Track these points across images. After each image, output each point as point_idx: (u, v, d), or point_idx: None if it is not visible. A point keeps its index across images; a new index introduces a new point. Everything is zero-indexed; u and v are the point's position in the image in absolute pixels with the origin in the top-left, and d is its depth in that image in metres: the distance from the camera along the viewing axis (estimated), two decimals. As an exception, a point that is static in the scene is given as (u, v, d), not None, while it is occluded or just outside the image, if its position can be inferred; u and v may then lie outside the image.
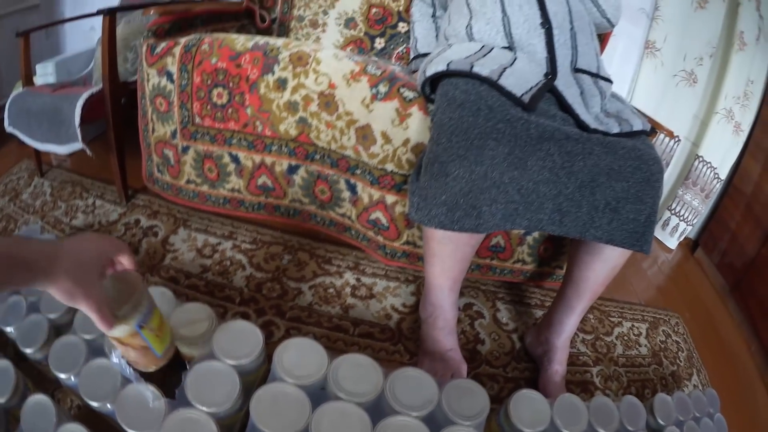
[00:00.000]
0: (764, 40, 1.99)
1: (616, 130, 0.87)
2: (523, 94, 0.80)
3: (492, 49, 0.93)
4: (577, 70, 0.97)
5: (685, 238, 2.08)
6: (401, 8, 1.31)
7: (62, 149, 1.29)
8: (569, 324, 0.96)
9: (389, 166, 0.97)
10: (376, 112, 0.94)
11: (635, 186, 0.82)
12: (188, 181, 1.17)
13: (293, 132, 1.01)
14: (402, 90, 0.94)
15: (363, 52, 1.32)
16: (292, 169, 1.06)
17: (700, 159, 1.97)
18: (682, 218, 2.02)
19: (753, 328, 1.52)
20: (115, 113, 1.29)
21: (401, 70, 1.07)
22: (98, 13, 1.29)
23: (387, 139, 0.94)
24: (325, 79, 0.96)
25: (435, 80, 0.91)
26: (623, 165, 0.82)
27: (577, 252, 0.95)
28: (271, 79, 0.99)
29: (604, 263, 0.92)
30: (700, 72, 1.94)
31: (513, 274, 1.14)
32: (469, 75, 0.82)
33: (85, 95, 1.26)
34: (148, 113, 1.18)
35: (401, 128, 0.94)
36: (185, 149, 1.13)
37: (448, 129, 0.78)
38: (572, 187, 0.81)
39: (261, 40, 1.02)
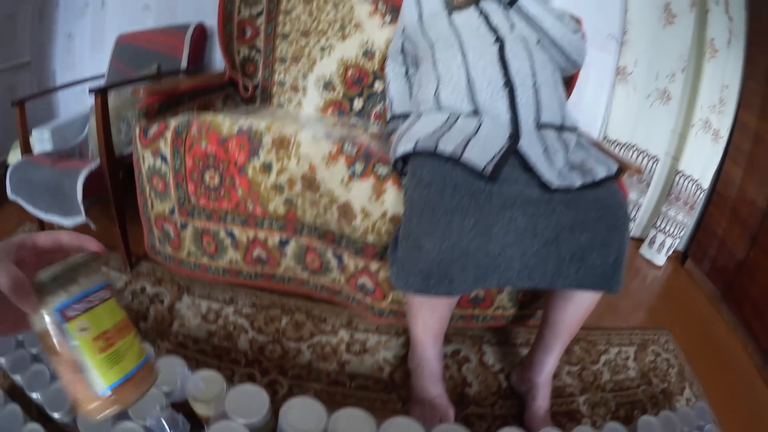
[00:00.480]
0: (735, 41, 2.07)
1: (579, 183, 0.97)
2: (486, 165, 0.91)
3: (458, 117, 1.06)
4: (541, 126, 1.09)
5: (674, 251, 2.17)
6: (376, 68, 1.43)
7: (66, 221, 1.44)
8: (549, 363, 1.09)
9: (370, 238, 1.09)
10: (354, 190, 1.06)
11: (600, 234, 0.93)
12: (189, 254, 1.31)
13: (281, 210, 1.14)
14: (376, 167, 1.06)
15: (343, 113, 1.45)
16: (284, 243, 1.19)
17: (681, 174, 2.07)
18: (668, 234, 2.11)
19: (748, 329, 1.62)
20: (114, 188, 1.43)
21: (376, 144, 1.19)
22: (90, 91, 1.43)
23: (366, 213, 1.07)
24: (306, 162, 1.08)
25: (406, 156, 1.03)
26: (586, 217, 0.93)
27: (551, 298, 1.08)
28: (257, 163, 1.12)
29: (576, 306, 1.04)
30: (673, 88, 2.02)
31: (495, 319, 1.26)
32: (435, 154, 0.94)
33: (84, 173, 1.41)
34: (146, 190, 1.32)
35: (378, 203, 1.06)
36: (184, 225, 1.27)
37: (417, 207, 0.91)
38: (537, 245, 0.93)
39: (245, 123, 1.15)
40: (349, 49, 1.43)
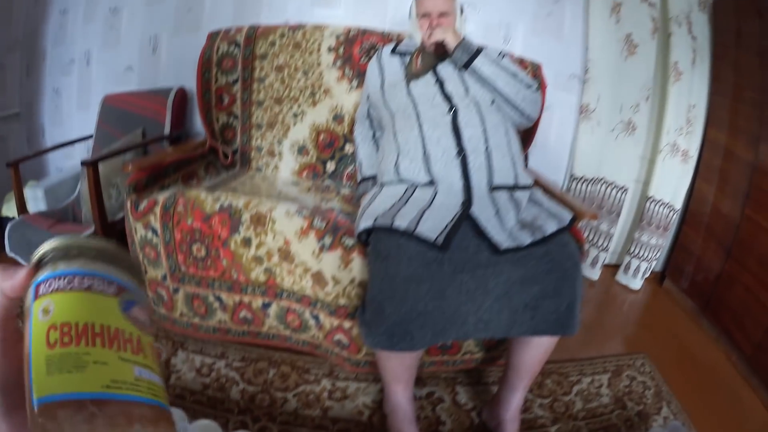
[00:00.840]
0: (700, 60, 2.19)
1: (528, 241, 1.10)
2: (437, 237, 1.06)
3: (415, 189, 1.21)
4: (494, 188, 1.24)
5: (651, 272, 2.29)
6: (345, 131, 1.59)
7: None
8: (514, 400, 1.24)
9: (342, 301, 1.25)
10: (324, 260, 1.22)
11: (551, 285, 1.08)
12: (181, 314, 1.47)
13: (262, 278, 1.31)
14: (343, 239, 1.22)
15: (317, 176, 1.61)
16: (266, 305, 1.35)
17: (652, 199, 2.20)
18: (642, 258, 2.24)
19: (730, 339, 1.76)
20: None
21: (344, 215, 1.35)
22: (82, 164, 1.60)
23: (336, 280, 1.23)
24: (281, 237, 1.24)
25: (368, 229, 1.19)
26: (536, 272, 1.09)
27: (511, 342, 1.23)
28: (238, 238, 1.28)
29: (536, 349, 1.19)
30: (638, 118, 2.14)
31: (465, 363, 1.42)
32: (392, 229, 1.10)
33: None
34: (140, 258, 1.48)
35: (347, 271, 1.22)
36: (176, 290, 1.43)
37: (378, 276, 1.07)
38: (489, 301, 1.08)
39: (225, 201, 1.31)
40: (319, 115, 1.59)
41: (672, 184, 2.19)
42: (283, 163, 1.62)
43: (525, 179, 1.32)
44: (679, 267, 2.26)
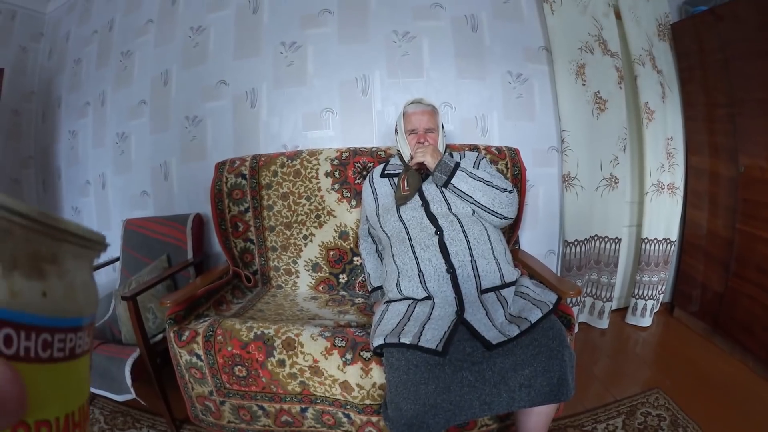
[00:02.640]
0: (669, 92, 2.55)
1: (516, 333, 1.56)
2: (437, 345, 1.53)
3: (416, 304, 1.69)
4: (483, 292, 1.71)
5: (661, 305, 2.68)
6: (352, 245, 2.08)
7: (118, 398, 2.08)
8: None
9: (367, 401, 1.73)
10: (349, 372, 1.70)
11: (540, 365, 1.51)
12: (229, 422, 1.95)
13: (298, 389, 1.78)
14: (362, 353, 1.70)
15: (332, 288, 2.10)
16: (304, 410, 1.82)
17: (646, 240, 2.60)
18: (648, 297, 2.61)
19: (744, 348, 2.14)
20: (156, 372, 2.08)
21: (360, 329, 1.83)
22: (122, 299, 2.10)
23: (361, 387, 1.71)
24: (310, 357, 1.73)
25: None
26: (525, 357, 1.54)
27: (516, 413, 1.68)
28: (274, 360, 1.76)
29: (537, 416, 1.62)
30: (618, 171, 2.53)
31: (480, 436, 1.89)
32: (398, 345, 1.58)
33: (130, 362, 2.06)
34: (186, 377, 1.96)
35: (368, 378, 1.70)
36: (222, 402, 1.91)
37: (393, 383, 1.53)
38: (488, 387, 1.53)
39: (259, 329, 1.79)
40: (326, 234, 2.09)
41: (664, 220, 2.57)
42: (301, 279, 2.11)
43: (511, 275, 1.76)
44: (685, 294, 2.63)
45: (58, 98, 3.04)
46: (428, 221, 1.79)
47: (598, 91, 2.54)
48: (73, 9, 3.11)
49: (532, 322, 1.53)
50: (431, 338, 1.53)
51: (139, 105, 2.71)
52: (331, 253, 2.11)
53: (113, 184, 2.69)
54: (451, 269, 1.67)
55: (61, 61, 3.08)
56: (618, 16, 2.67)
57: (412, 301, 1.72)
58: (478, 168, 1.95)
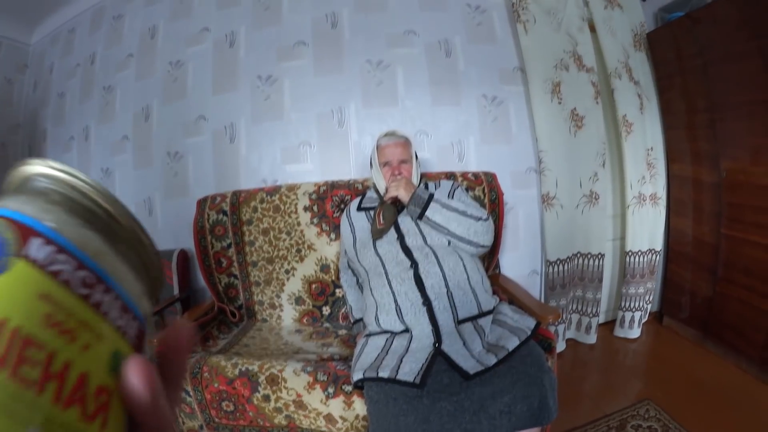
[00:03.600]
0: (647, 102, 2.64)
1: (493, 362, 1.69)
2: (415, 377, 1.68)
3: (394, 338, 1.84)
4: (460, 322, 1.85)
5: (649, 314, 2.77)
6: (333, 278, 2.23)
7: None
8: None
9: (351, 433, 1.89)
10: (331, 405, 1.85)
11: (519, 391, 1.63)
12: (220, 457, 2.11)
13: (284, 422, 1.94)
14: (343, 387, 1.85)
15: (316, 320, 2.26)
16: (290, 443, 1.99)
17: (630, 253, 2.71)
18: (635, 309, 2.72)
19: (736, 351, 2.25)
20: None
21: (342, 362, 1.99)
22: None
23: (344, 419, 1.86)
24: (293, 392, 1.88)
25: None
26: (503, 385, 1.67)
27: None
28: (259, 395, 1.91)
29: None
30: (598, 186, 2.63)
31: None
32: (377, 379, 1.72)
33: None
34: (177, 413, 2.12)
35: (351, 410, 1.85)
36: (213, 438, 2.07)
37: (374, 416, 1.67)
38: (468, 415, 1.66)
39: (243, 365, 1.95)
40: (308, 268, 2.25)
41: (648, 231, 2.68)
42: (285, 313, 2.26)
43: (488, 303, 1.88)
44: (674, 302, 2.75)
45: (44, 132, 3.18)
46: (404, 255, 1.91)
47: (575, 108, 2.64)
48: (56, 41, 3.27)
49: (510, 350, 1.65)
50: (409, 371, 1.65)
51: (122, 140, 2.86)
52: (314, 286, 2.27)
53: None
54: (427, 302, 1.79)
55: (46, 94, 3.23)
56: (593, 29, 2.78)
57: (390, 334, 1.86)
58: (452, 197, 2.07)
